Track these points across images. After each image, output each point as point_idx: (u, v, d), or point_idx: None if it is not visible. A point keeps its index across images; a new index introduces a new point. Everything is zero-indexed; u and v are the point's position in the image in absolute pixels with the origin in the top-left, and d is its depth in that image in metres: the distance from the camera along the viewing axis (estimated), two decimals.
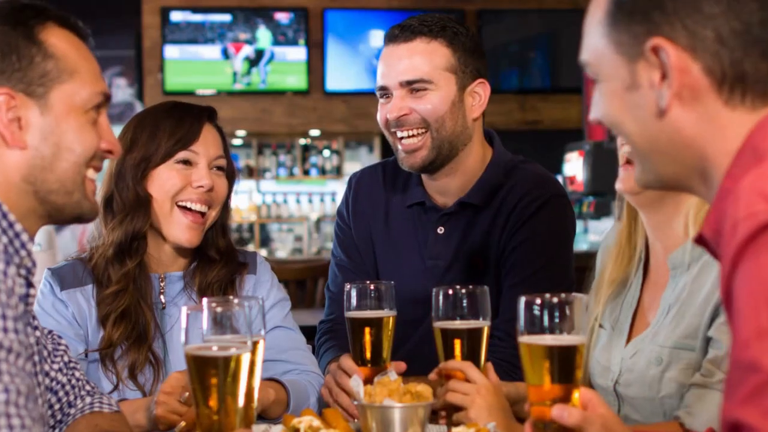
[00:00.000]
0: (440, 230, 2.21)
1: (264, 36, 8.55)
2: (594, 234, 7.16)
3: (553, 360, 1.26)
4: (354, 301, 1.85)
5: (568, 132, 7.97)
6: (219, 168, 2.06)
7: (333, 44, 8.58)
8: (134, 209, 2.00)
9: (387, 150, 8.75)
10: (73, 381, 1.66)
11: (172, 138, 2.01)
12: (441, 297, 1.72)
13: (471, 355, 1.71)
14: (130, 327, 1.97)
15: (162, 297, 2.06)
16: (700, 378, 1.64)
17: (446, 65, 2.12)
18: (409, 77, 2.11)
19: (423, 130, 2.12)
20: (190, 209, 2.01)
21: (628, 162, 1.74)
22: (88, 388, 1.69)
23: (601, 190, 6.06)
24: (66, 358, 1.66)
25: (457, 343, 1.71)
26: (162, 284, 2.06)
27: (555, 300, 1.27)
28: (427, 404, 1.59)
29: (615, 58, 1.12)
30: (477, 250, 2.19)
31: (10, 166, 1.36)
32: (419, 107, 2.11)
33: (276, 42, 8.54)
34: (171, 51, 8.43)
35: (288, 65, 8.58)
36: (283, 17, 8.56)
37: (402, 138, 2.14)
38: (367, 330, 1.84)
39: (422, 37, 2.12)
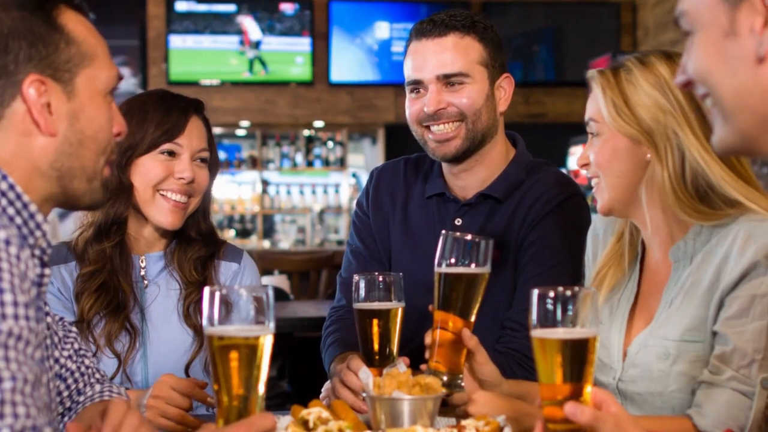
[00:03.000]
0: (458, 222, 2.22)
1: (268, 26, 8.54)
2: None
3: (565, 353, 1.25)
4: (362, 292, 1.84)
5: (572, 125, 7.90)
6: (202, 160, 2.13)
7: (338, 35, 8.56)
8: (116, 195, 2.06)
9: (391, 142, 8.76)
10: (83, 368, 1.66)
11: (158, 129, 2.08)
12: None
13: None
14: (107, 301, 2.05)
15: (143, 276, 2.14)
16: (708, 375, 1.61)
17: (479, 59, 2.17)
18: (447, 71, 2.14)
19: (458, 122, 2.16)
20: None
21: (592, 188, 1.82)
22: (97, 376, 1.69)
23: None
24: (76, 346, 1.66)
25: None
26: (143, 264, 2.14)
27: (568, 293, 1.26)
28: (437, 396, 1.59)
29: (715, 4, 1.11)
30: (495, 243, 2.20)
31: (38, 152, 1.35)
32: (456, 101, 2.15)
33: (280, 32, 8.53)
34: (175, 41, 8.42)
35: (293, 56, 8.57)
36: (288, 8, 8.55)
37: (434, 128, 2.18)
38: (374, 321, 1.84)
39: (456, 32, 2.16)
